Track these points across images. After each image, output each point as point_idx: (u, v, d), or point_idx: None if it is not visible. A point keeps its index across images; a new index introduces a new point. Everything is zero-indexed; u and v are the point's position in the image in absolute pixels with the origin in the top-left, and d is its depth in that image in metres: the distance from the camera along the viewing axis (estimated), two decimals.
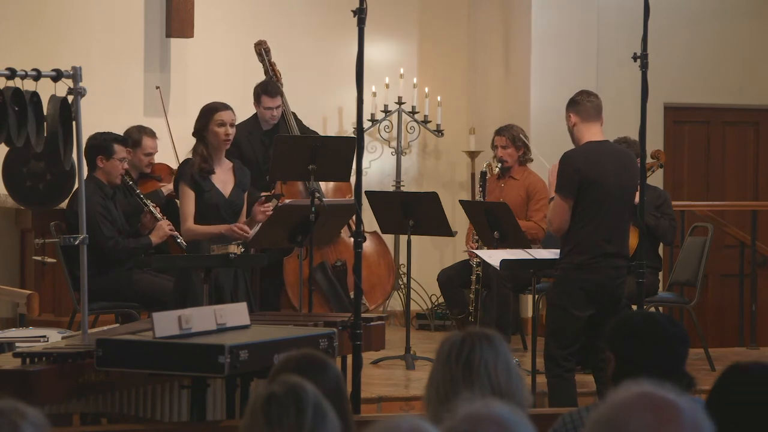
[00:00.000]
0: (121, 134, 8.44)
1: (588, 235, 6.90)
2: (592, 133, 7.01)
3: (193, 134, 7.41)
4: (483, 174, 9.20)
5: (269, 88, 9.16)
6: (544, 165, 9.58)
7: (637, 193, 7.03)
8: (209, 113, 7.34)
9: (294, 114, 9.41)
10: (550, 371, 7.01)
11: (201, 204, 7.28)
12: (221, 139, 7.31)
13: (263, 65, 9.50)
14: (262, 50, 9.53)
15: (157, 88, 9.76)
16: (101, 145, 8.10)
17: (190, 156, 7.51)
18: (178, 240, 7.90)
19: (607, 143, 7.08)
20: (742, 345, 9.85)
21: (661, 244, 8.89)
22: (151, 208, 8.27)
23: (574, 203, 6.92)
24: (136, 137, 8.68)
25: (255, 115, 9.23)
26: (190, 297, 7.14)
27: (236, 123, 8.97)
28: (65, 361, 5.32)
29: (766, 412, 3.11)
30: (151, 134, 8.83)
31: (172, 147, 9.24)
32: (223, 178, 7.37)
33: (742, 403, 3.06)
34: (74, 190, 7.22)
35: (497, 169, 9.30)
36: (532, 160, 9.37)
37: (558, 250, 7.42)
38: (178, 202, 7.84)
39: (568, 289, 6.96)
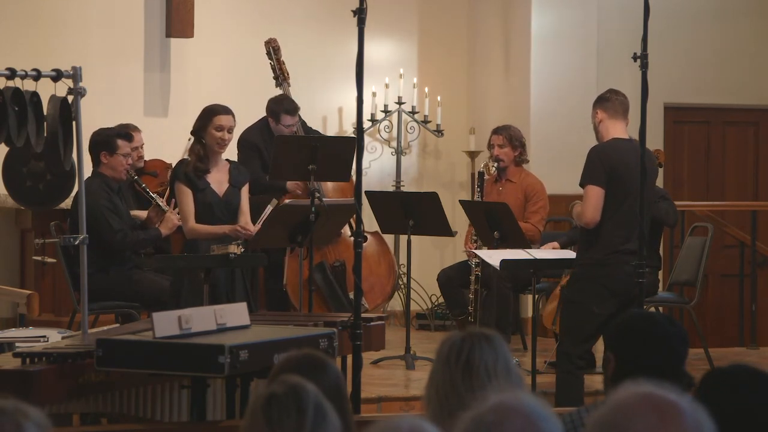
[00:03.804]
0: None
1: (607, 231, 6.89)
2: (618, 131, 7.04)
3: (192, 133, 7.44)
4: (480, 174, 9.18)
5: (290, 108, 9.09)
6: (541, 166, 9.61)
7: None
8: (209, 115, 7.37)
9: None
10: (561, 367, 7.01)
11: (195, 203, 7.30)
12: (216, 143, 7.33)
13: (271, 63, 9.49)
14: (271, 48, 9.51)
15: None
16: (104, 140, 8.12)
17: (186, 156, 7.52)
18: (183, 245, 7.90)
19: (632, 141, 7.08)
20: (742, 345, 9.85)
21: (661, 245, 8.88)
22: (158, 200, 8.29)
23: None
24: (128, 132, 8.68)
25: (265, 120, 9.20)
26: (183, 297, 7.15)
27: (241, 124, 9.03)
28: (65, 361, 5.32)
29: (746, 416, 3.12)
30: (134, 128, 8.85)
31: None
32: (219, 178, 7.40)
33: (723, 407, 3.05)
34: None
35: (494, 170, 9.28)
36: (528, 161, 9.36)
37: (557, 251, 7.43)
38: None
39: (587, 286, 6.95)
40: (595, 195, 6.91)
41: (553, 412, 2.50)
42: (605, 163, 6.91)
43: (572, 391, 6.95)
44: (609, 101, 7.07)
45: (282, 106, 9.12)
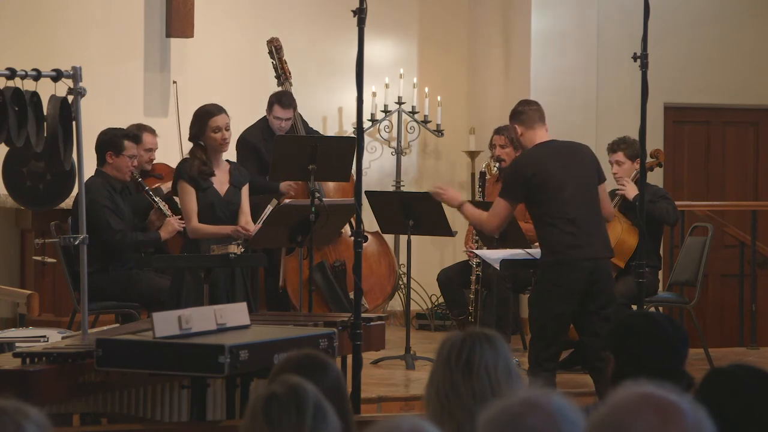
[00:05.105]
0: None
1: (553, 234, 6.94)
2: (539, 137, 7.11)
3: (190, 139, 7.43)
4: (482, 174, 9.20)
5: (283, 99, 9.11)
6: None
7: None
8: (204, 118, 7.35)
9: (299, 115, 9.42)
10: (530, 371, 7.03)
11: (198, 202, 7.31)
12: (219, 144, 7.34)
13: (273, 63, 9.49)
14: (273, 48, 9.51)
15: (174, 82, 9.86)
16: (111, 140, 8.14)
17: (188, 156, 7.52)
18: (182, 245, 7.89)
19: (552, 142, 7.16)
20: (742, 345, 9.85)
21: (661, 245, 8.89)
22: (160, 204, 8.29)
23: (531, 207, 7.03)
24: (135, 134, 8.70)
25: (265, 119, 9.21)
26: (183, 296, 7.16)
27: (241, 124, 9.03)
28: (65, 361, 5.32)
29: (747, 415, 3.12)
30: (151, 131, 8.86)
31: (179, 144, 9.26)
32: (221, 179, 7.41)
33: (723, 407, 3.05)
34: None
35: (495, 169, 9.29)
36: None
37: None
38: (176, 199, 7.86)
39: (545, 286, 7.00)
40: (503, 207, 7.03)
41: (580, 416, 2.51)
42: (519, 179, 7.03)
43: None
44: (523, 113, 7.21)
45: (276, 96, 9.14)
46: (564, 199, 6.92)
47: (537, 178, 6.94)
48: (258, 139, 9.06)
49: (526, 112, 7.17)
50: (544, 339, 6.97)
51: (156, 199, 8.33)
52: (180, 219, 7.99)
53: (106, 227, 7.90)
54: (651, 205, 8.17)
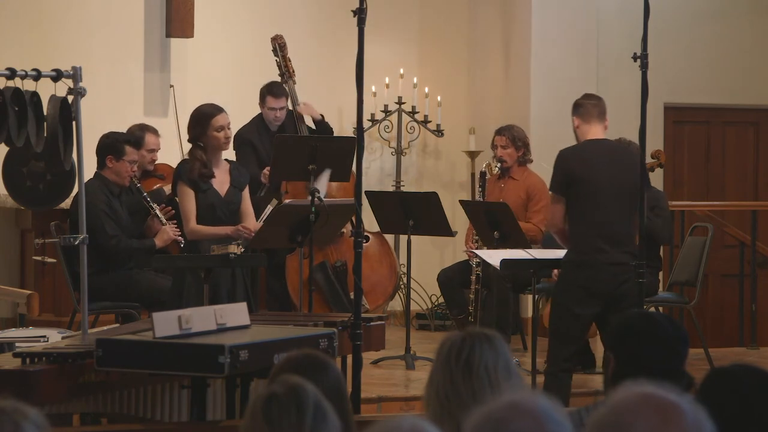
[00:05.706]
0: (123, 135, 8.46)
1: (583, 232, 6.93)
2: (593, 133, 7.08)
3: (189, 140, 7.42)
4: (482, 174, 9.20)
5: (274, 88, 9.16)
6: (544, 167, 9.58)
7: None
8: (206, 119, 7.34)
9: (301, 115, 9.42)
10: (547, 369, 7.03)
11: (197, 203, 7.30)
12: (221, 143, 7.34)
13: (277, 60, 9.49)
14: (277, 45, 9.52)
15: (171, 86, 9.86)
16: (113, 144, 8.14)
17: (187, 157, 7.51)
18: (182, 245, 7.89)
19: (603, 141, 7.12)
20: (742, 345, 9.85)
21: (661, 246, 8.88)
22: (158, 212, 8.27)
23: (568, 202, 6.98)
24: (138, 135, 8.71)
25: (260, 115, 9.22)
26: (185, 297, 7.16)
27: (242, 124, 9.03)
28: (65, 361, 5.32)
29: (748, 415, 3.12)
30: (154, 131, 8.86)
31: (180, 145, 9.26)
32: (221, 179, 7.39)
33: (724, 407, 3.05)
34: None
35: (497, 169, 9.30)
36: (531, 161, 9.37)
37: (557, 250, 7.44)
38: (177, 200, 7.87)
39: (568, 287, 6.98)
40: (555, 203, 7.05)
41: (565, 416, 2.50)
42: (561, 170, 7.03)
43: (553, 393, 6.92)
44: (582, 106, 7.17)
45: (267, 87, 9.17)
46: (598, 201, 6.91)
47: (581, 174, 6.94)
48: (253, 134, 9.07)
49: (584, 105, 7.15)
50: (563, 337, 6.96)
51: (153, 206, 8.32)
52: (177, 228, 8.00)
53: (101, 232, 7.89)
54: (646, 220, 8.17)
